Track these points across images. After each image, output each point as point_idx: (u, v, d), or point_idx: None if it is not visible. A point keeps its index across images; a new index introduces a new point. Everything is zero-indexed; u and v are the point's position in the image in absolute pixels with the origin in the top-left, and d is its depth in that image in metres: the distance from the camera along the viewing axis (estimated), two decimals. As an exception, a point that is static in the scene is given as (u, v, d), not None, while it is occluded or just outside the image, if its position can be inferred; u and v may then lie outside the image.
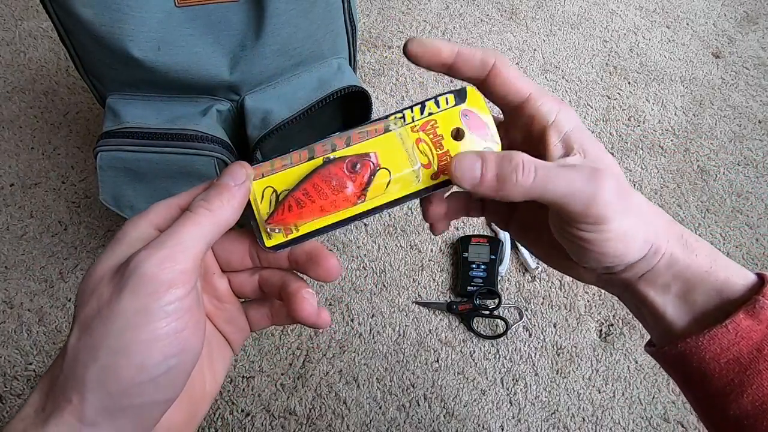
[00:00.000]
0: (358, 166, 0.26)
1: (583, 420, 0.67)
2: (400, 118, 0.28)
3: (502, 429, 0.66)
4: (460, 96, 0.28)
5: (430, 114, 0.28)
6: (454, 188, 0.27)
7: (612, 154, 0.89)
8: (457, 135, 0.28)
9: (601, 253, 0.26)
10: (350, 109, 0.67)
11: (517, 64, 1.01)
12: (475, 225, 0.81)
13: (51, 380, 0.23)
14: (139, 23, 0.52)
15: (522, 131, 0.28)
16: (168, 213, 0.26)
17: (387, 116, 0.28)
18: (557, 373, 0.70)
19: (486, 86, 0.28)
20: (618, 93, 0.98)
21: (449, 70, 0.27)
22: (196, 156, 0.56)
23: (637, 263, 0.27)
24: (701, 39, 1.07)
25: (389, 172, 0.27)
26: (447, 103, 0.28)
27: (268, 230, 0.27)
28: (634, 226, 0.25)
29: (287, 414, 0.67)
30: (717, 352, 0.26)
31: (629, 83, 0.99)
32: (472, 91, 0.28)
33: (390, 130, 0.27)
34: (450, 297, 0.76)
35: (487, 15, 1.09)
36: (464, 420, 0.67)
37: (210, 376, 0.29)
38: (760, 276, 0.27)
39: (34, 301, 0.73)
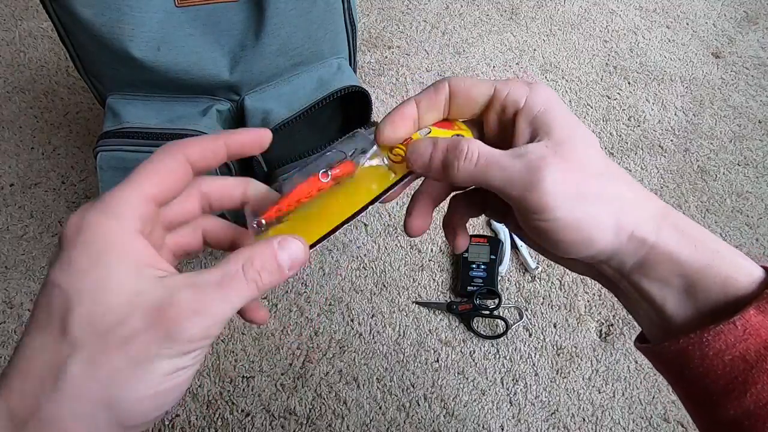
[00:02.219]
0: (334, 162, 0.28)
1: (583, 420, 0.67)
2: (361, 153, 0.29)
3: (502, 429, 0.66)
4: None
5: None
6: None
7: (611, 154, 0.89)
8: (427, 133, 0.29)
9: (559, 241, 0.26)
10: (350, 109, 0.67)
11: (516, 64, 1.01)
12: (475, 225, 0.81)
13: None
14: (139, 23, 0.52)
15: (498, 124, 0.29)
16: (173, 177, 0.25)
17: (355, 130, 0.30)
18: (557, 373, 0.70)
19: (454, 110, 0.29)
20: (618, 93, 0.98)
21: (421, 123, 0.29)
22: (196, 156, 0.56)
23: (620, 253, 0.26)
24: (701, 39, 1.07)
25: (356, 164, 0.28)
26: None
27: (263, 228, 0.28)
28: (594, 214, 0.25)
29: (287, 414, 0.67)
30: (722, 349, 0.24)
31: (629, 83, 0.99)
32: None
33: (362, 164, 0.29)
34: (450, 297, 0.76)
35: (487, 15, 1.09)
36: (464, 420, 0.67)
37: None
38: (767, 269, 0.26)
39: (34, 301, 0.73)
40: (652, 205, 0.27)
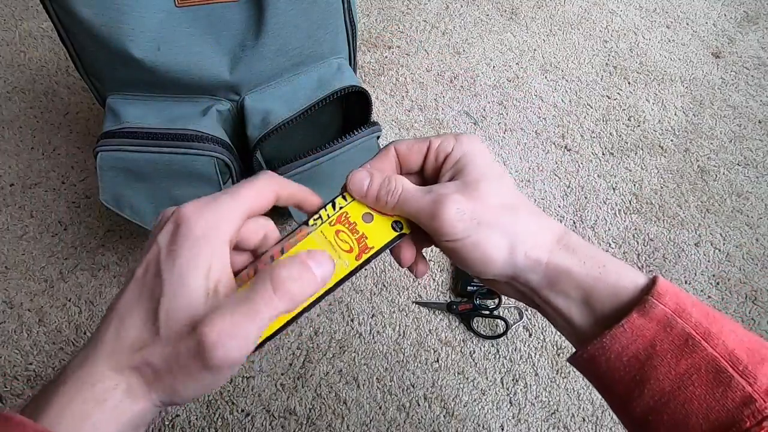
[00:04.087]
0: None
1: (583, 420, 0.67)
2: (318, 218, 0.33)
3: (502, 429, 0.66)
4: None
5: (340, 208, 0.33)
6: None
7: (612, 154, 0.89)
8: (368, 218, 0.33)
9: (465, 258, 0.31)
10: (350, 109, 0.67)
11: (516, 64, 1.01)
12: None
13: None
14: (139, 23, 0.52)
15: (433, 169, 0.34)
16: (265, 202, 0.30)
17: (307, 220, 0.33)
18: (557, 373, 0.70)
19: (404, 165, 0.35)
20: (618, 93, 0.98)
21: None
22: (196, 156, 0.56)
23: (522, 271, 0.31)
24: (701, 39, 1.07)
25: None
26: (352, 197, 0.33)
27: None
28: (487, 237, 0.30)
29: (287, 414, 0.67)
30: (619, 351, 0.28)
31: (629, 83, 0.99)
32: None
33: (312, 232, 0.32)
34: (450, 297, 0.76)
35: (487, 15, 1.09)
36: (464, 420, 0.67)
37: None
38: (654, 278, 0.29)
39: (34, 301, 0.73)
40: (548, 233, 0.31)
